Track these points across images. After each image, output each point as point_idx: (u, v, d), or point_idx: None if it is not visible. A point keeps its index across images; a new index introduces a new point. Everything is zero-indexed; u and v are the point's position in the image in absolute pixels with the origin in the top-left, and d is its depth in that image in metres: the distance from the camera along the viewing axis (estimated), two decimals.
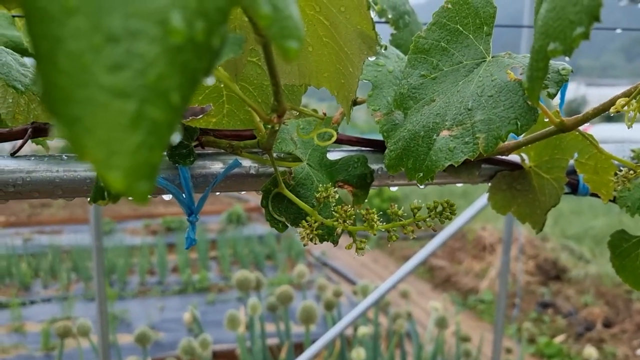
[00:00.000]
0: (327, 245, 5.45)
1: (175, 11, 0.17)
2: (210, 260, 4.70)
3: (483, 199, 1.89)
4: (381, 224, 0.47)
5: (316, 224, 0.47)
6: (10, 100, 0.53)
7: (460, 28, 0.48)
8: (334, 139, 0.50)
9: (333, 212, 0.47)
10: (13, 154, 0.50)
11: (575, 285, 4.50)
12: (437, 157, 0.44)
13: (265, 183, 0.50)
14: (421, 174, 0.46)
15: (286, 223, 0.50)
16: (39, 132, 0.52)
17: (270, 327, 2.77)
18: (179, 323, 3.52)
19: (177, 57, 0.17)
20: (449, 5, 0.48)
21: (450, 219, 0.46)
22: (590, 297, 4.27)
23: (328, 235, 0.48)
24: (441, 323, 2.70)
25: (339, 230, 0.47)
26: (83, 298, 4.02)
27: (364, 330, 2.54)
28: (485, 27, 0.47)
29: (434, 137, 0.45)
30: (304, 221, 0.47)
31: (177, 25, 0.17)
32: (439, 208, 0.46)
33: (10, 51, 0.49)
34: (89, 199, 0.42)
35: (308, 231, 0.47)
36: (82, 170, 0.50)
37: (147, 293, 4.14)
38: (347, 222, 0.46)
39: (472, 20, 0.47)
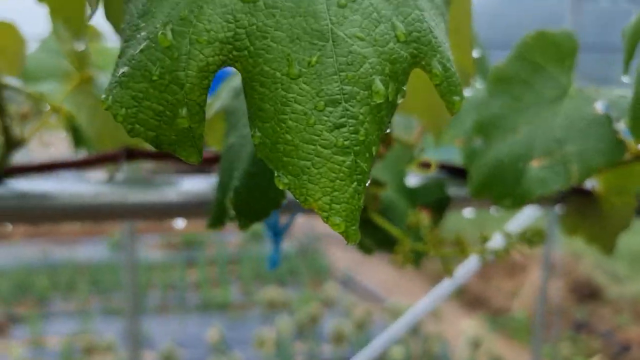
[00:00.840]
0: (352, 262, 5.38)
1: (376, 76, 0.20)
2: (231, 277, 4.64)
3: (518, 220, 1.82)
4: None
5: (409, 248, 0.49)
6: (98, 125, 0.50)
7: (541, 61, 0.50)
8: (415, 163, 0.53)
9: (422, 237, 0.49)
10: (110, 179, 0.48)
11: (610, 305, 4.37)
12: (530, 186, 0.46)
13: None
14: (509, 200, 0.49)
15: (372, 247, 0.53)
16: (132, 155, 0.49)
17: (298, 347, 2.69)
18: (201, 340, 3.45)
19: (377, 115, 0.20)
20: (529, 40, 0.50)
21: (537, 245, 0.48)
22: (626, 317, 4.15)
23: (417, 259, 0.52)
24: (474, 343, 2.61)
25: (430, 254, 0.49)
26: (102, 313, 3.97)
27: (396, 351, 2.45)
28: (566, 61, 0.49)
29: (521, 165, 0.47)
30: (397, 246, 0.49)
31: (379, 88, 0.20)
32: (528, 234, 0.47)
33: None
34: (207, 222, 0.39)
35: (401, 256, 0.49)
36: (175, 196, 0.49)
37: (168, 309, 4.09)
38: (438, 246, 0.48)
39: (552, 54, 0.49)
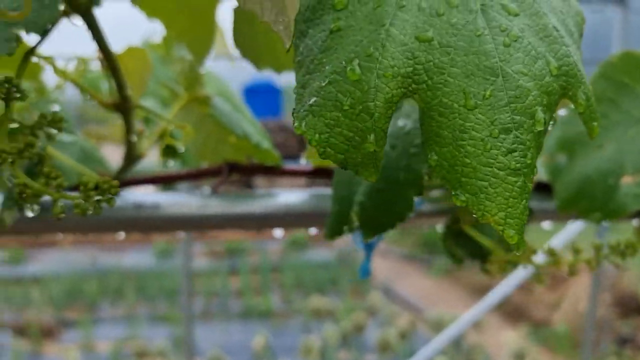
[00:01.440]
0: (391, 272, 5.35)
1: (538, 107, 0.23)
2: (272, 286, 4.69)
3: (565, 233, 1.79)
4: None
5: (502, 259, 0.50)
6: (201, 141, 0.54)
7: (628, 81, 0.51)
8: None
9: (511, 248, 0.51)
10: (215, 190, 0.51)
11: None
12: (624, 201, 0.48)
13: (447, 220, 0.54)
14: (598, 215, 0.50)
15: (463, 256, 0.55)
16: (234, 169, 0.53)
17: (342, 355, 2.70)
18: (244, 348, 3.51)
19: (538, 141, 0.23)
20: (615, 60, 0.51)
21: (630, 257, 0.49)
22: None
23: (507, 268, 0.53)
24: (518, 356, 2.57)
25: (522, 264, 0.50)
26: (149, 319, 4.07)
27: None
28: None
29: (611, 181, 0.49)
30: (492, 257, 0.51)
31: (540, 117, 0.23)
32: (621, 246, 0.48)
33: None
34: (325, 232, 0.42)
35: (496, 265, 0.51)
36: (278, 206, 0.52)
37: (211, 316, 4.17)
38: (528, 257, 0.49)
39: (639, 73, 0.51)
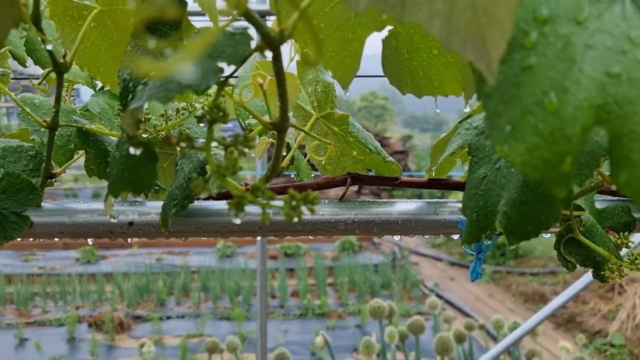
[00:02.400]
0: (440, 277, 5.35)
1: None
2: (327, 287, 4.80)
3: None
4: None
5: (617, 266, 0.54)
6: (322, 153, 0.64)
7: None
8: None
9: (627, 256, 0.54)
10: (341, 199, 0.60)
11: None
12: None
13: (560, 229, 0.56)
14: None
15: (575, 263, 0.57)
16: (356, 180, 0.62)
17: (400, 357, 2.78)
18: (302, 346, 3.63)
19: None
20: None
21: None
22: None
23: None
24: None
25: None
26: (213, 317, 4.26)
27: None
28: None
29: None
30: (609, 264, 0.55)
31: None
32: None
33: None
34: (462, 239, 0.49)
35: (610, 272, 0.55)
36: (397, 213, 0.59)
37: (270, 316, 4.31)
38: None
39: None
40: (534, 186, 0.41)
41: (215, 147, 0.51)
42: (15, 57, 0.69)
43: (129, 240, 0.66)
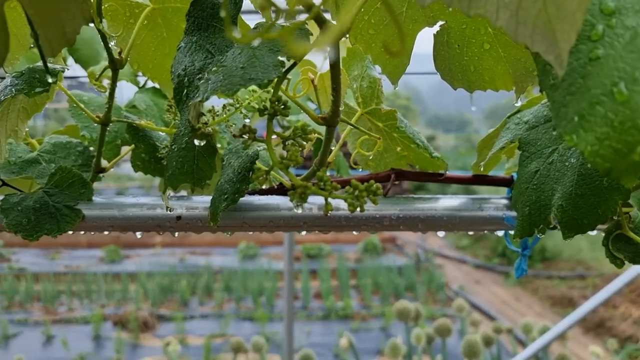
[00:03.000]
0: (465, 280, 5.31)
1: None
2: (350, 289, 4.80)
3: None
4: None
5: None
6: (365, 151, 0.64)
7: None
8: None
9: None
10: (385, 195, 0.60)
11: None
12: None
13: (608, 226, 0.55)
14: None
15: (624, 260, 0.56)
16: (399, 176, 0.62)
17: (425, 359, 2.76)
18: (325, 348, 3.63)
19: None
20: None
21: None
22: None
23: None
24: None
25: None
26: (236, 317, 4.29)
27: None
28: None
29: None
30: None
31: None
32: None
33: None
34: (513, 233, 0.49)
35: None
36: (441, 209, 0.60)
37: (293, 317, 4.33)
38: None
39: None
40: (591, 180, 0.42)
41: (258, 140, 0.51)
42: None
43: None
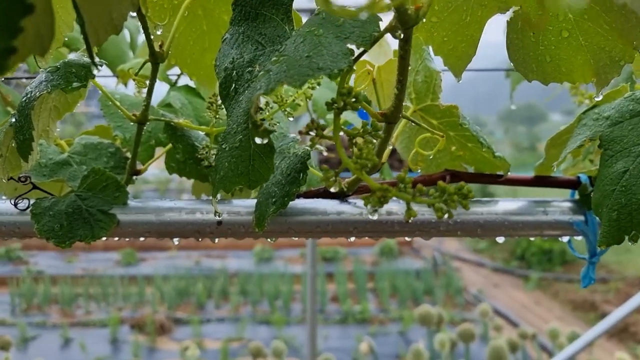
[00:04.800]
0: (483, 283, 5.24)
1: None
2: (367, 292, 4.75)
3: None
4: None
5: None
6: (413, 149, 0.60)
7: None
8: None
9: None
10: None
11: None
12: None
13: None
14: None
15: None
16: (455, 177, 0.58)
17: None
18: (344, 352, 3.59)
19: None
20: None
21: None
22: None
23: None
24: None
25: None
26: (252, 321, 4.26)
27: None
28: None
29: None
30: None
31: None
32: None
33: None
34: (599, 241, 0.45)
35: None
36: (502, 213, 0.55)
37: (316, 321, 4.29)
38: None
39: None
40: None
41: (291, 140, 0.46)
42: None
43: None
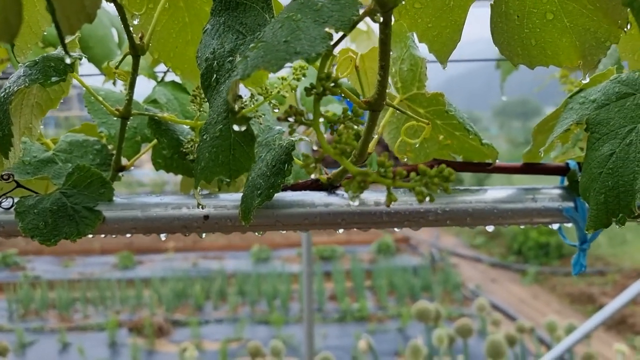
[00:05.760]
0: (481, 279, 5.25)
1: None
2: (365, 290, 4.74)
3: None
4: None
5: None
6: (399, 139, 0.59)
7: None
8: None
9: None
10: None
11: None
12: None
13: None
14: None
15: None
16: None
17: None
18: (342, 351, 3.58)
19: None
20: None
21: None
22: None
23: None
24: None
25: None
26: (251, 321, 4.25)
27: None
28: None
29: None
30: None
31: None
32: None
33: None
34: (586, 225, 0.44)
35: None
36: (491, 201, 0.55)
37: (313, 319, 4.28)
38: None
39: None
40: None
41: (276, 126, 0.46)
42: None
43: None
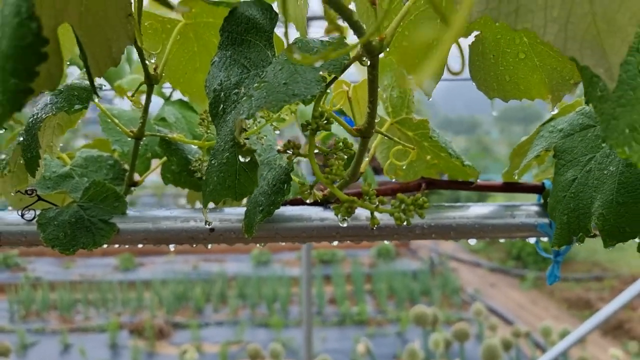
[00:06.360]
0: (480, 283, 5.27)
1: None
2: (365, 294, 4.79)
3: None
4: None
5: None
6: (398, 161, 0.64)
7: None
8: None
9: None
10: None
11: None
12: None
13: None
14: None
15: None
16: (430, 184, 0.62)
17: None
18: (342, 354, 3.62)
19: None
20: None
21: None
22: None
23: None
24: None
25: None
26: (251, 324, 4.30)
27: None
28: None
29: None
30: None
31: None
32: None
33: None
34: (552, 242, 0.49)
35: None
36: (473, 217, 0.59)
37: (312, 323, 4.32)
38: None
39: None
40: (632, 188, 0.42)
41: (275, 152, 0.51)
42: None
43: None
